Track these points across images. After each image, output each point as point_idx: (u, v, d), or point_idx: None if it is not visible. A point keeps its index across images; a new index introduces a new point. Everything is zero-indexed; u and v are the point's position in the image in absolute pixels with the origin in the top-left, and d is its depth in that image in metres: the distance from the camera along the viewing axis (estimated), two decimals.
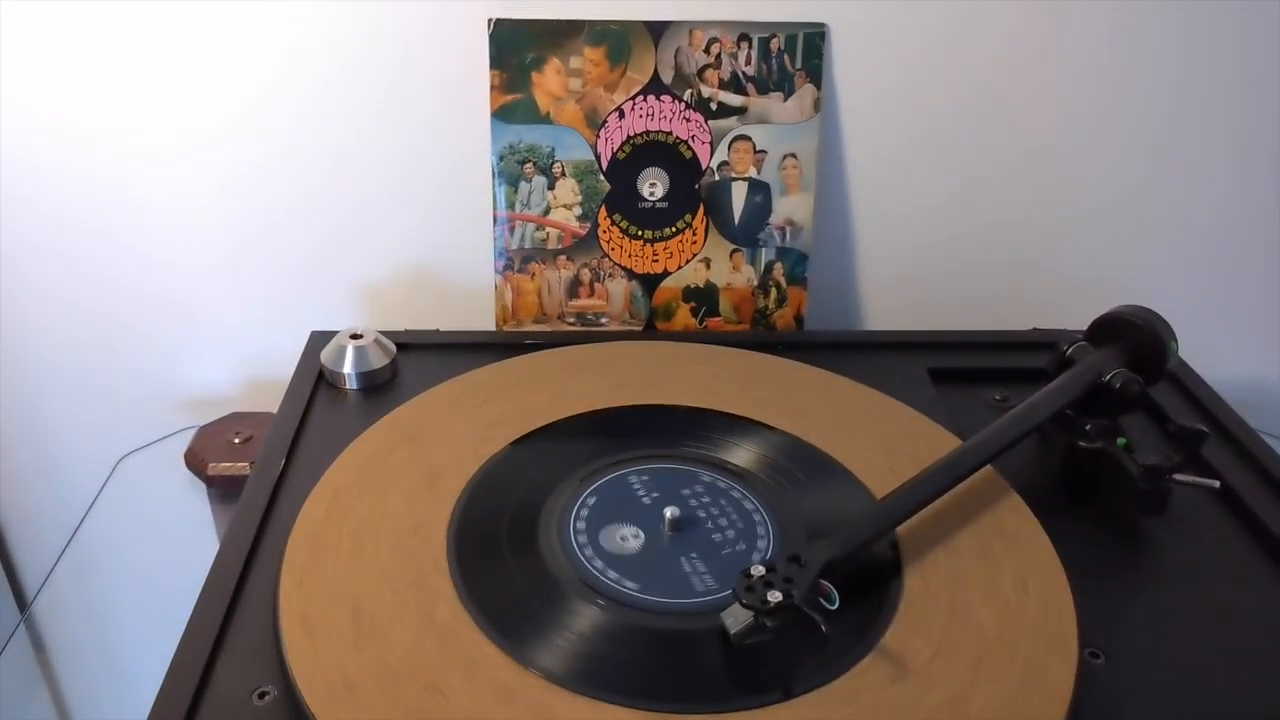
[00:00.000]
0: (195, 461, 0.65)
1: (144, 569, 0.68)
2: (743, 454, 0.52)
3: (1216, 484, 0.51)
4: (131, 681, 0.68)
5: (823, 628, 0.38)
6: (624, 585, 0.43)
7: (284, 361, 0.73)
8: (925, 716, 0.38)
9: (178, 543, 0.67)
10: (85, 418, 0.74)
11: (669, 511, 0.46)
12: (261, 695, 0.40)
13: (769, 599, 0.39)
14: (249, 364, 0.74)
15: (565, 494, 0.49)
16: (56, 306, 0.71)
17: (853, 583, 0.42)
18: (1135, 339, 0.54)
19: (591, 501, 0.48)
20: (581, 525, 0.47)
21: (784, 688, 0.39)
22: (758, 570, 0.41)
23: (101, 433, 0.73)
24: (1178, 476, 0.50)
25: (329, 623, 0.41)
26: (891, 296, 0.73)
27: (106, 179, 0.68)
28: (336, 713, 0.37)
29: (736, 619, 0.40)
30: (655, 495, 0.49)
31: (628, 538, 0.46)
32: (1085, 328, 0.57)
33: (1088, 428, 0.53)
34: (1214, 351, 0.70)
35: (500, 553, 0.45)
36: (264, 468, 0.52)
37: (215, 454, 0.65)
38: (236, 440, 0.66)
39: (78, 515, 0.67)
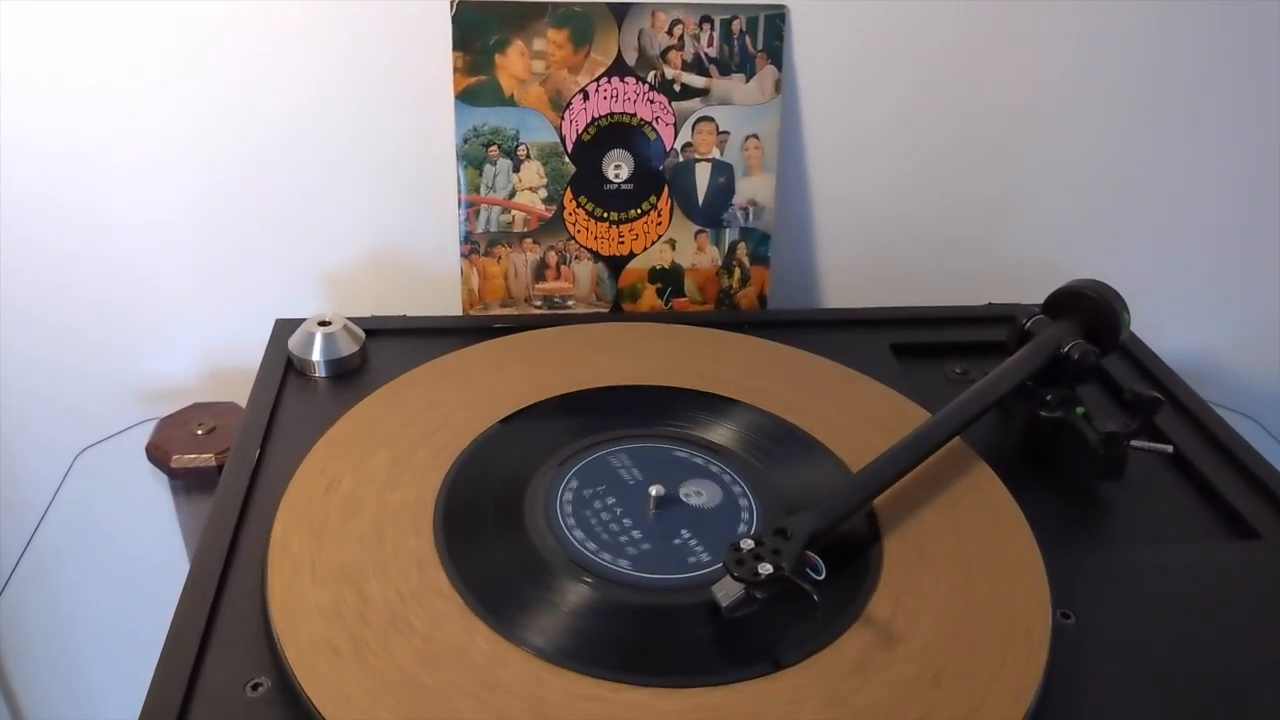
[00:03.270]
0: (158, 454, 0.64)
1: (106, 564, 0.66)
2: (720, 431, 0.53)
3: (1170, 449, 0.54)
4: (92, 683, 0.67)
5: (815, 597, 0.39)
6: (611, 562, 0.44)
7: (243, 350, 0.72)
8: (913, 680, 0.39)
9: (140, 537, 0.66)
10: (41, 411, 0.72)
11: (654, 489, 0.47)
12: (255, 687, 0.40)
13: (759, 571, 0.40)
14: (208, 353, 0.73)
15: (549, 475, 0.49)
16: (8, 296, 0.69)
17: (831, 554, 0.44)
18: (1090, 311, 0.57)
19: (575, 482, 0.49)
20: (568, 505, 0.47)
21: (774, 659, 0.40)
22: (747, 544, 0.41)
23: (58, 426, 0.71)
24: (1134, 443, 0.53)
25: (321, 611, 0.41)
26: (850, 274, 0.75)
27: (62, 168, 0.66)
28: (334, 700, 0.37)
29: (728, 592, 0.41)
30: (637, 474, 0.49)
31: (610, 502, 0.47)
32: (1034, 301, 0.59)
33: (1049, 398, 0.55)
34: (1155, 324, 0.73)
35: (489, 534, 0.46)
36: (239, 458, 0.51)
37: (179, 446, 0.64)
38: (200, 431, 0.65)
39: (34, 509, 0.66)
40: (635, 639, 0.41)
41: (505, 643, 0.40)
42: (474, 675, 0.39)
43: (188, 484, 0.64)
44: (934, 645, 0.41)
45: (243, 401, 0.66)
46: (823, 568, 0.42)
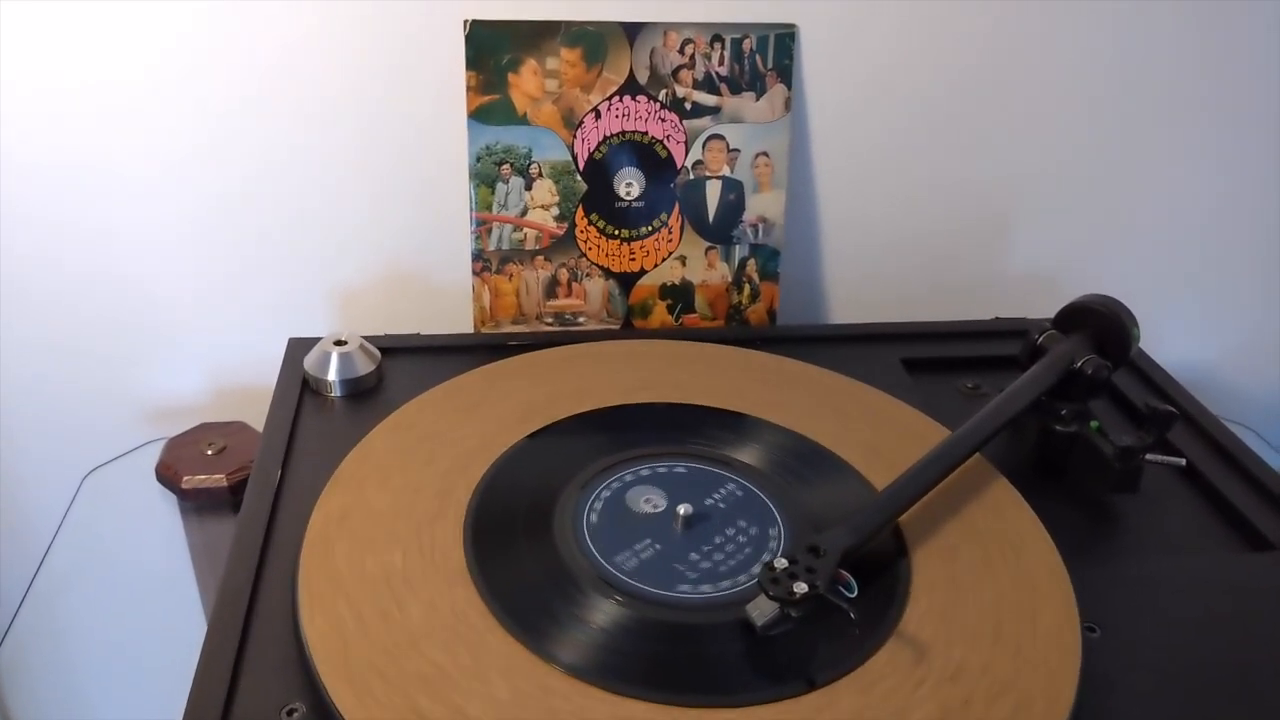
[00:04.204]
0: (168, 474, 0.63)
1: (115, 587, 0.65)
2: (740, 447, 0.53)
3: (1182, 462, 0.55)
4: (99, 710, 0.66)
5: (851, 615, 0.40)
6: (642, 581, 0.44)
7: (250, 368, 0.72)
8: (947, 698, 0.40)
9: (149, 559, 0.65)
10: (48, 432, 0.71)
11: (681, 508, 0.47)
12: (290, 712, 0.39)
13: (795, 590, 0.40)
14: (215, 371, 0.72)
15: (574, 494, 0.49)
16: (13, 314, 0.68)
17: (860, 571, 0.44)
18: (1101, 326, 0.57)
19: (601, 501, 0.49)
20: (595, 524, 0.47)
21: (808, 678, 0.40)
22: (781, 563, 0.42)
23: (65, 447, 0.70)
24: (1147, 456, 0.53)
25: (354, 634, 0.41)
26: (858, 290, 0.75)
27: (64, 181, 0.65)
28: None
29: (762, 611, 0.41)
30: (663, 492, 0.49)
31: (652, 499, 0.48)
32: (1037, 315, 0.59)
33: (1063, 412, 0.56)
34: (1152, 336, 0.74)
35: (519, 553, 0.46)
36: (260, 479, 0.51)
37: (189, 466, 0.63)
38: (210, 451, 0.64)
39: (41, 532, 0.65)
40: (667, 658, 0.41)
41: (539, 661, 0.40)
42: (509, 694, 0.39)
43: (198, 505, 0.64)
44: (967, 662, 0.41)
45: (252, 420, 0.66)
46: (855, 585, 0.42)
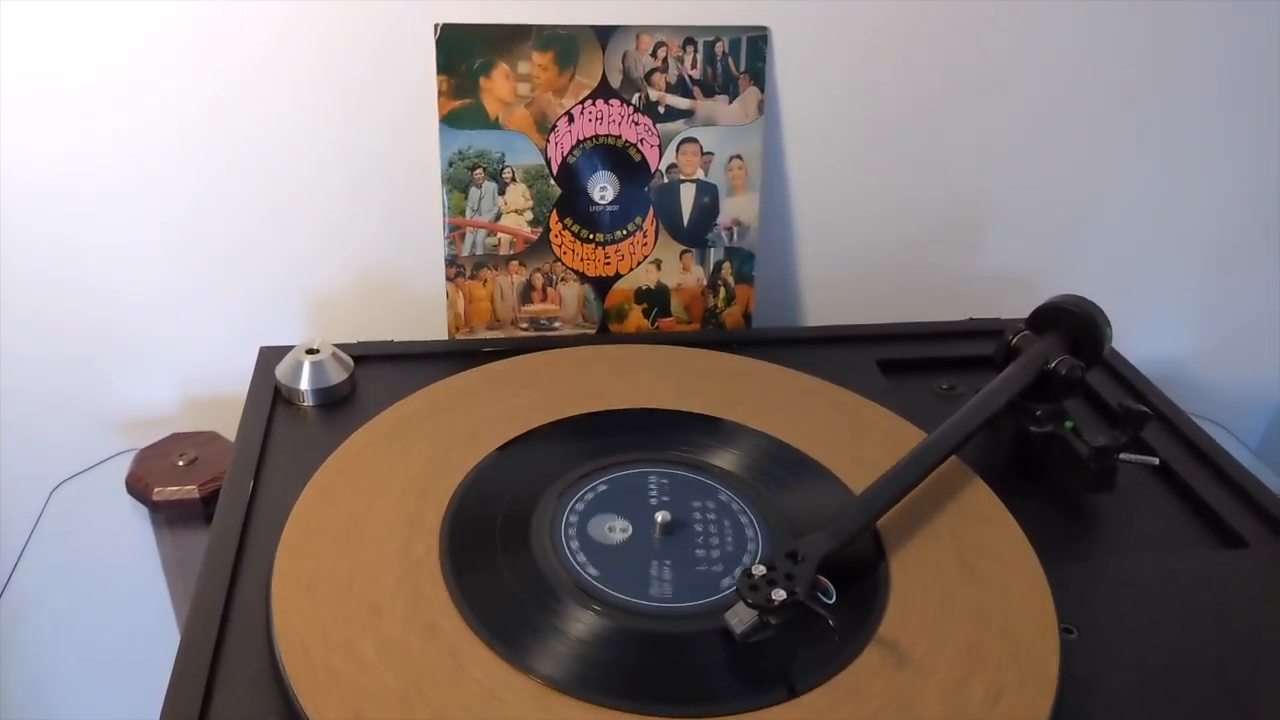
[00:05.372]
0: (139, 486, 0.62)
1: (86, 603, 0.64)
2: (719, 454, 0.53)
3: (1156, 461, 0.55)
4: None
5: (830, 622, 0.39)
6: (620, 589, 0.44)
7: (221, 376, 0.71)
8: (927, 702, 0.40)
9: (121, 573, 0.64)
10: (14, 444, 0.70)
11: (659, 516, 0.47)
12: None
13: (773, 597, 0.40)
14: (186, 381, 0.71)
15: (551, 503, 0.49)
16: None
17: (838, 576, 0.43)
18: (1074, 326, 0.58)
19: (580, 508, 0.48)
20: (573, 534, 0.47)
21: (788, 684, 0.40)
22: (759, 569, 0.42)
23: (33, 460, 0.69)
24: (1121, 455, 0.54)
25: (329, 649, 0.40)
26: (833, 292, 0.75)
27: (36, 191, 0.64)
28: None
29: (741, 619, 0.41)
30: (641, 499, 0.49)
31: (615, 529, 0.47)
32: (1007, 314, 0.59)
33: (1038, 413, 0.56)
34: (1119, 334, 0.74)
35: (496, 564, 0.45)
36: (233, 491, 0.50)
37: (160, 478, 0.62)
38: (181, 462, 0.63)
39: (9, 549, 0.63)
40: (646, 667, 0.41)
41: (515, 672, 0.40)
42: (487, 707, 0.38)
43: (170, 517, 0.63)
44: (946, 665, 0.41)
45: (223, 430, 0.65)
46: (833, 591, 0.42)
